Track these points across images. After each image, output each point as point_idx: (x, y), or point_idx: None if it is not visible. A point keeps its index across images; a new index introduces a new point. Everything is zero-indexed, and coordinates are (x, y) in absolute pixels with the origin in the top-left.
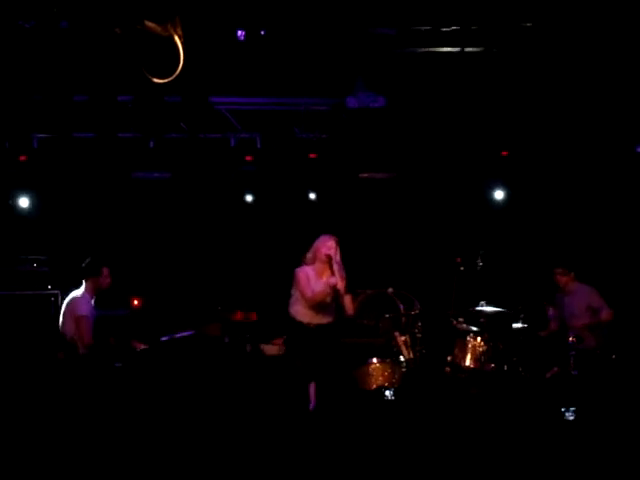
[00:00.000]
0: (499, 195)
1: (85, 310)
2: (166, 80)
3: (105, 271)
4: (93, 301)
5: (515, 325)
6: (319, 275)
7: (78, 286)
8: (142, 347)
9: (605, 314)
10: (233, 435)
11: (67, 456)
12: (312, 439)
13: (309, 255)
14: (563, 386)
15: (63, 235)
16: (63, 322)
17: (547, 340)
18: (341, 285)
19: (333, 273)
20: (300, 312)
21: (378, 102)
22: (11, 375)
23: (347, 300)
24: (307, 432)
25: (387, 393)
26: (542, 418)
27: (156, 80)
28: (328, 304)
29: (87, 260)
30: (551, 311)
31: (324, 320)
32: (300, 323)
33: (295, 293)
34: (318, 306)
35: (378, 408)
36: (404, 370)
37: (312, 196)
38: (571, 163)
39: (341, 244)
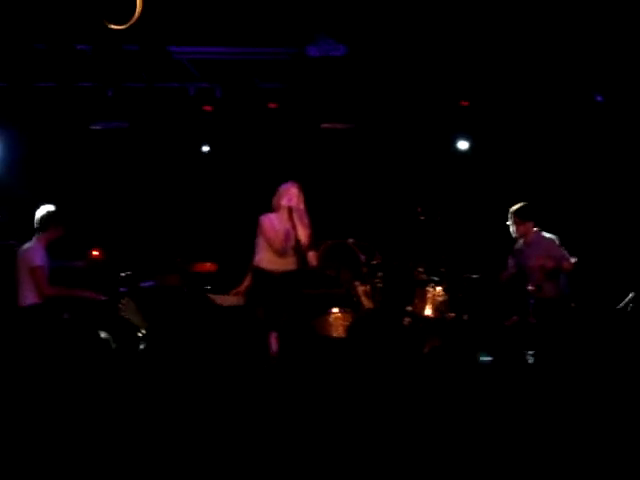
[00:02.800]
0: (462, 145)
1: (39, 260)
2: (123, 26)
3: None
4: (45, 253)
5: (474, 275)
6: (282, 222)
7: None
8: (102, 298)
9: (566, 264)
10: (194, 384)
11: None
12: (274, 386)
13: (273, 203)
14: (522, 334)
15: (20, 186)
16: (18, 275)
17: (506, 289)
18: (303, 234)
19: (294, 222)
20: (264, 259)
21: (339, 50)
22: None
23: (311, 253)
24: (268, 379)
25: None
26: (503, 364)
27: (113, 26)
28: (291, 251)
29: (46, 209)
30: (510, 260)
31: (288, 267)
32: (264, 271)
33: (259, 241)
34: (283, 253)
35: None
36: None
37: (271, 146)
38: (533, 113)
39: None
